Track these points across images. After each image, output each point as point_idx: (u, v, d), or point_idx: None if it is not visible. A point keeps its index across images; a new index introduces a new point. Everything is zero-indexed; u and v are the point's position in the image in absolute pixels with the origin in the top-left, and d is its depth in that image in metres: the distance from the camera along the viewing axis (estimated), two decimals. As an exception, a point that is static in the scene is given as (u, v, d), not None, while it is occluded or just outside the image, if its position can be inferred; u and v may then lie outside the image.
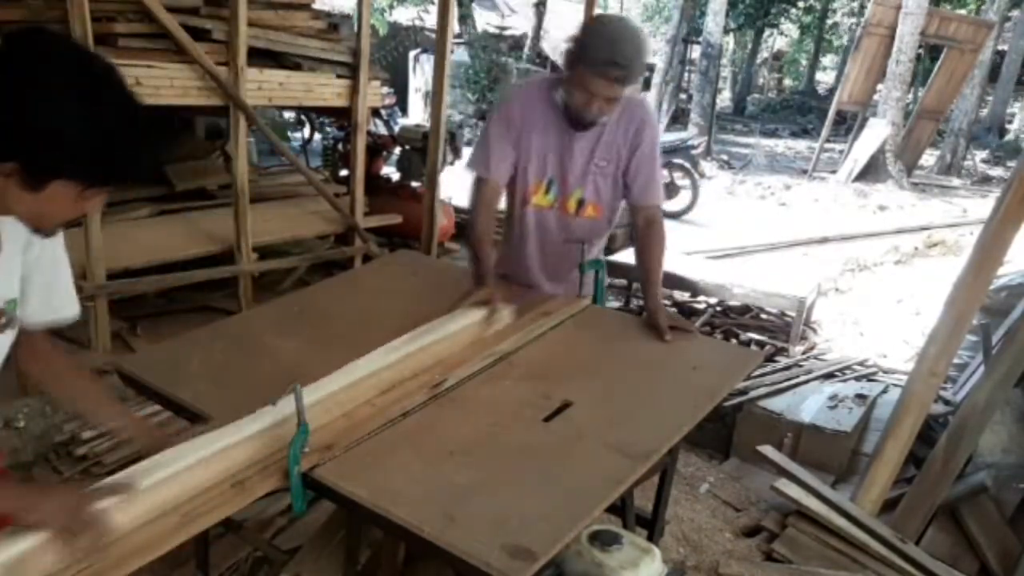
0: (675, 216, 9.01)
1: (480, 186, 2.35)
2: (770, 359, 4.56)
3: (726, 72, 27.09)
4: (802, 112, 25.35)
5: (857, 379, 4.16)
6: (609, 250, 6.16)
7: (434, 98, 4.73)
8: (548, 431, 1.69)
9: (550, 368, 1.96)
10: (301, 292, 2.70)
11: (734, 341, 4.79)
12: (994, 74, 17.05)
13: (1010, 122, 18.82)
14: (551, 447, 1.63)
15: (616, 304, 5.19)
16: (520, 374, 1.92)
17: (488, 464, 1.56)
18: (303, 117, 9.96)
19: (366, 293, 2.46)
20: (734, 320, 5.14)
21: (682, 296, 5.47)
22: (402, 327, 2.07)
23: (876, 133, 12.37)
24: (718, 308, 5.29)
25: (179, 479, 1.36)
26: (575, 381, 1.89)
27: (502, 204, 2.45)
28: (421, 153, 5.50)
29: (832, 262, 7.32)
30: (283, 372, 1.85)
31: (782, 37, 31.78)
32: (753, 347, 4.73)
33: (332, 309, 2.28)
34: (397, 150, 6.27)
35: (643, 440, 1.65)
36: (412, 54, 16.29)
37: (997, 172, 15.03)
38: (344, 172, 5.74)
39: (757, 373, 4.14)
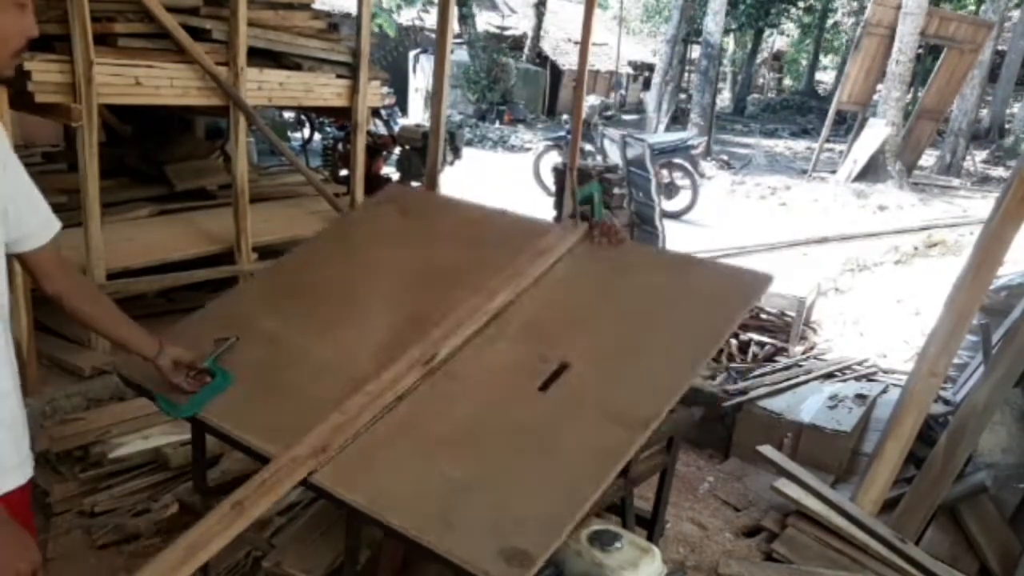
0: (675, 216, 9.01)
1: None
2: (770, 359, 4.56)
3: (726, 72, 27.10)
4: (802, 112, 25.38)
5: (857, 379, 4.16)
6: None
7: (434, 98, 4.73)
8: (545, 402, 1.62)
9: (546, 323, 1.84)
10: (290, 256, 2.37)
11: (733, 342, 4.80)
12: (994, 74, 17.05)
13: (1010, 122, 18.80)
14: (547, 422, 1.58)
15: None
16: (515, 333, 1.82)
17: (484, 452, 1.52)
18: (303, 117, 9.97)
19: (357, 246, 2.28)
20: (734, 320, 5.13)
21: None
22: (399, 286, 1.98)
23: (876, 133, 12.37)
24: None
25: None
26: (572, 336, 1.79)
27: None
28: (421, 153, 5.50)
29: (832, 262, 7.32)
30: (284, 361, 1.84)
31: (782, 37, 31.81)
32: (754, 347, 4.73)
33: (325, 275, 2.14)
34: (397, 150, 6.27)
35: (643, 402, 1.57)
36: (412, 54, 16.32)
37: (997, 172, 15.03)
38: (344, 172, 5.74)
39: (757, 373, 4.15)
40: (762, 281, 1.98)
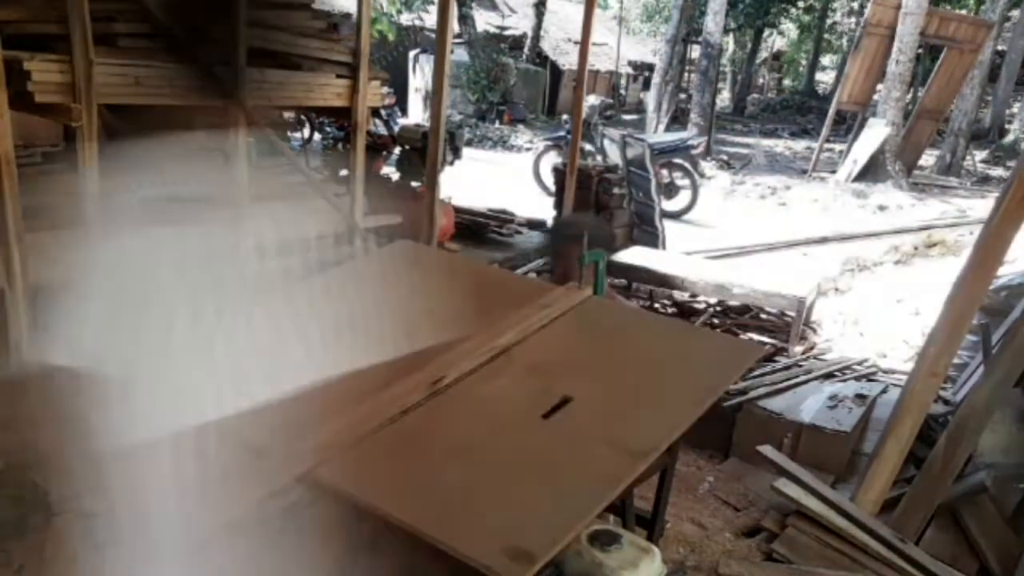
0: (675, 216, 9.01)
1: None
2: (770, 359, 4.56)
3: (726, 72, 27.11)
4: (802, 112, 25.38)
5: (857, 379, 4.16)
6: (611, 248, 6.18)
7: (434, 98, 4.73)
8: (547, 428, 1.68)
9: (549, 363, 1.94)
10: (300, 284, 2.55)
11: (734, 341, 4.80)
12: (994, 74, 17.06)
13: (1010, 122, 18.81)
14: (550, 444, 1.63)
15: (616, 304, 5.18)
16: (519, 369, 1.90)
17: (487, 463, 1.55)
18: (303, 117, 9.97)
19: (365, 286, 2.38)
20: (734, 320, 5.14)
21: (682, 296, 5.47)
22: (407, 319, 2.03)
23: (876, 133, 12.37)
24: (718, 308, 5.29)
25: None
26: (574, 376, 1.88)
27: None
28: (421, 153, 5.50)
29: (832, 262, 7.32)
30: (283, 367, 1.84)
31: (782, 37, 31.82)
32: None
33: (333, 301, 2.21)
34: (397, 150, 6.27)
35: (643, 437, 1.64)
36: (412, 54, 16.31)
37: (997, 172, 15.03)
38: (344, 172, 5.74)
39: (757, 373, 4.15)
40: (754, 350, 2.21)
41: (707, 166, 12.64)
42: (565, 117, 15.73)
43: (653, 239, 6.79)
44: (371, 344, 1.93)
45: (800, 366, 4.34)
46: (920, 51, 13.53)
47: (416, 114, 15.71)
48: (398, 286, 2.38)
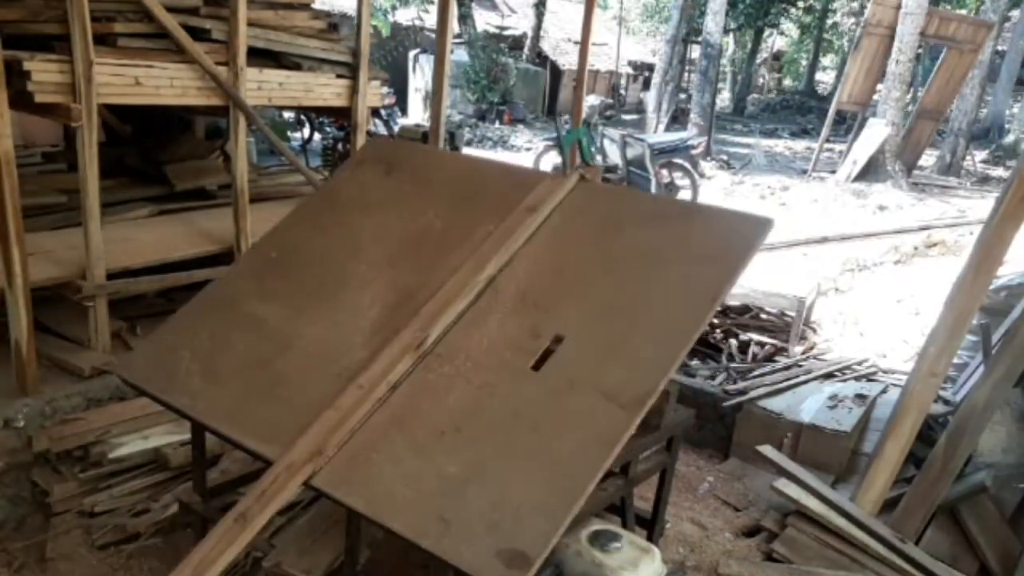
0: (675, 216, 9.00)
1: None
2: (770, 359, 4.56)
3: (726, 72, 27.12)
4: (802, 112, 25.40)
5: (857, 379, 4.16)
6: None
7: (434, 98, 4.73)
8: (538, 383, 1.62)
9: (539, 288, 1.83)
10: (276, 230, 2.33)
11: (733, 342, 4.80)
12: (993, 74, 17.06)
13: (1010, 122, 18.81)
14: (542, 404, 1.57)
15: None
16: (507, 304, 1.81)
17: (479, 442, 1.52)
18: (303, 117, 9.98)
19: (343, 213, 2.24)
20: (734, 320, 5.13)
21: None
22: (389, 255, 1.97)
23: (876, 133, 12.37)
24: (718, 308, 5.29)
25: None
26: (566, 303, 1.78)
27: None
28: (421, 153, 5.49)
29: (832, 262, 7.32)
30: (276, 351, 1.83)
31: (782, 37, 31.83)
32: (754, 347, 4.73)
33: (312, 247, 2.12)
34: (397, 150, 6.26)
35: (638, 378, 1.56)
36: (412, 54, 16.32)
37: (997, 172, 15.03)
38: (344, 172, 5.73)
39: (757, 373, 4.15)
40: (762, 227, 1.91)
41: (707, 166, 12.64)
42: (565, 117, 15.78)
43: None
44: (353, 292, 1.86)
45: (800, 366, 4.34)
46: (920, 51, 13.52)
47: (416, 114, 15.71)
48: (375, 210, 2.19)
